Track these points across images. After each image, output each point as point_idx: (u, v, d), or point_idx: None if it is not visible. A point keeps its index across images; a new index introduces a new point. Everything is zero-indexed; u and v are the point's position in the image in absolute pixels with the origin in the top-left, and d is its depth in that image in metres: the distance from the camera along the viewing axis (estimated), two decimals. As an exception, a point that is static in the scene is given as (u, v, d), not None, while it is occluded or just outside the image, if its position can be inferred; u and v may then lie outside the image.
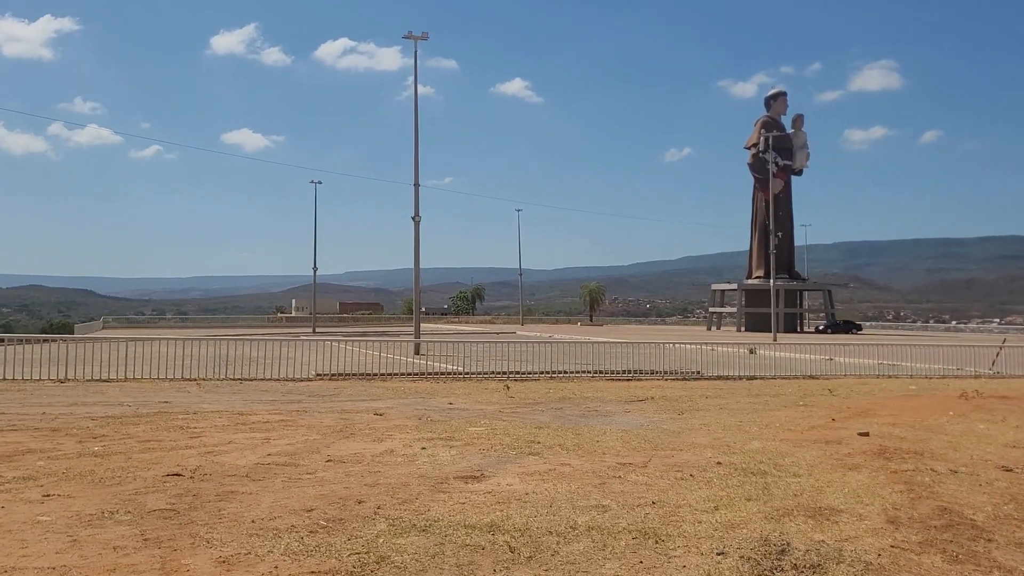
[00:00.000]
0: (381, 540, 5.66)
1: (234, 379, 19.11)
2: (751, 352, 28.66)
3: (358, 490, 7.26)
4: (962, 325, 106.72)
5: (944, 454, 9.37)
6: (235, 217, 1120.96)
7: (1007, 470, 8.46)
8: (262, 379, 19.31)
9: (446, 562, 5.21)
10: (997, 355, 25.49)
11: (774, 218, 66.20)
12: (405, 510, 6.53)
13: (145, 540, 5.63)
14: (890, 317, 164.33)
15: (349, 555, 5.32)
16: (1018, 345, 28.32)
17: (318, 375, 20.28)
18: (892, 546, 5.64)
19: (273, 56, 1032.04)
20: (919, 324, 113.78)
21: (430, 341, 30.14)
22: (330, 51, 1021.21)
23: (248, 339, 26.83)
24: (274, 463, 8.50)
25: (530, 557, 5.33)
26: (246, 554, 5.33)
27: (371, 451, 9.31)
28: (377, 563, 5.16)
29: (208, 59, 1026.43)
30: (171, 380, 18.58)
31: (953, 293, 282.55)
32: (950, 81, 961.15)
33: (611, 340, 34.22)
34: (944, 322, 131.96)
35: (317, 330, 63.31)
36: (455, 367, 22.52)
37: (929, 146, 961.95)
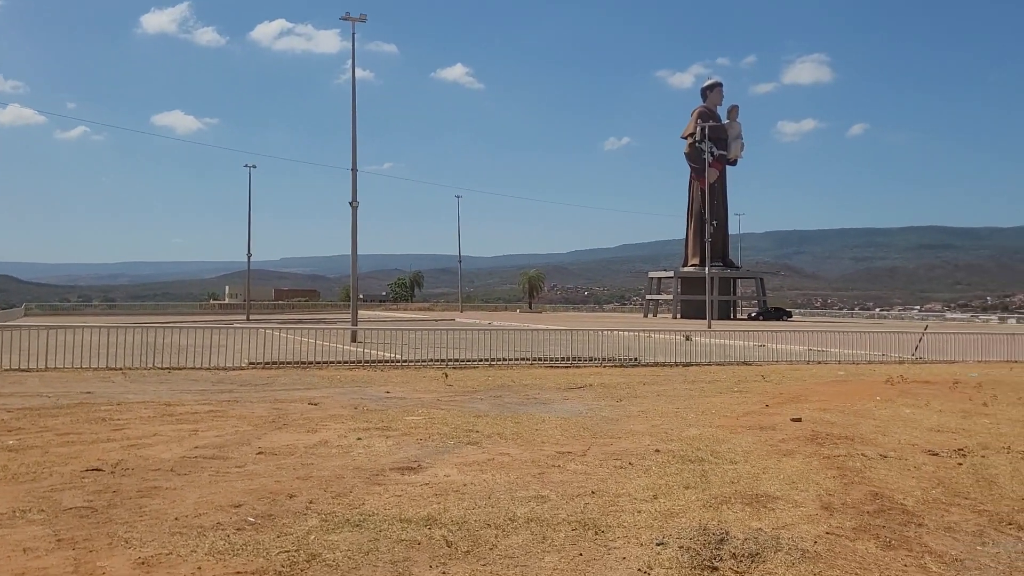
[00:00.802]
0: (312, 536, 5.44)
1: (162, 368, 18.44)
2: (687, 339, 29.14)
3: (289, 484, 7.02)
4: (885, 312, 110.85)
5: (873, 439, 9.59)
6: (166, 201, 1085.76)
7: (933, 454, 8.70)
8: (192, 368, 18.69)
9: (380, 558, 5.03)
10: (919, 341, 26.48)
11: (709, 207, 67.40)
12: (338, 504, 6.32)
13: (59, 541, 5.31)
14: (818, 304, 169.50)
15: (278, 553, 5.09)
16: (938, 332, 29.45)
17: (251, 363, 19.76)
18: (827, 533, 5.69)
19: (207, 36, 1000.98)
20: (845, 311, 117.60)
21: (367, 328, 29.74)
22: (266, 32, 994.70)
23: (178, 327, 26.02)
24: (201, 456, 8.17)
25: (468, 551, 5.20)
26: (167, 554, 5.06)
27: (304, 442, 9.05)
28: (308, 561, 4.96)
29: (138, 38, 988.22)
30: (95, 369, 17.84)
31: (877, 281, 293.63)
32: (877, 75, 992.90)
33: (550, 327, 34.32)
34: (868, 309, 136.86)
35: (251, 317, 61.93)
36: (393, 355, 22.24)
37: (856, 139, 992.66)
